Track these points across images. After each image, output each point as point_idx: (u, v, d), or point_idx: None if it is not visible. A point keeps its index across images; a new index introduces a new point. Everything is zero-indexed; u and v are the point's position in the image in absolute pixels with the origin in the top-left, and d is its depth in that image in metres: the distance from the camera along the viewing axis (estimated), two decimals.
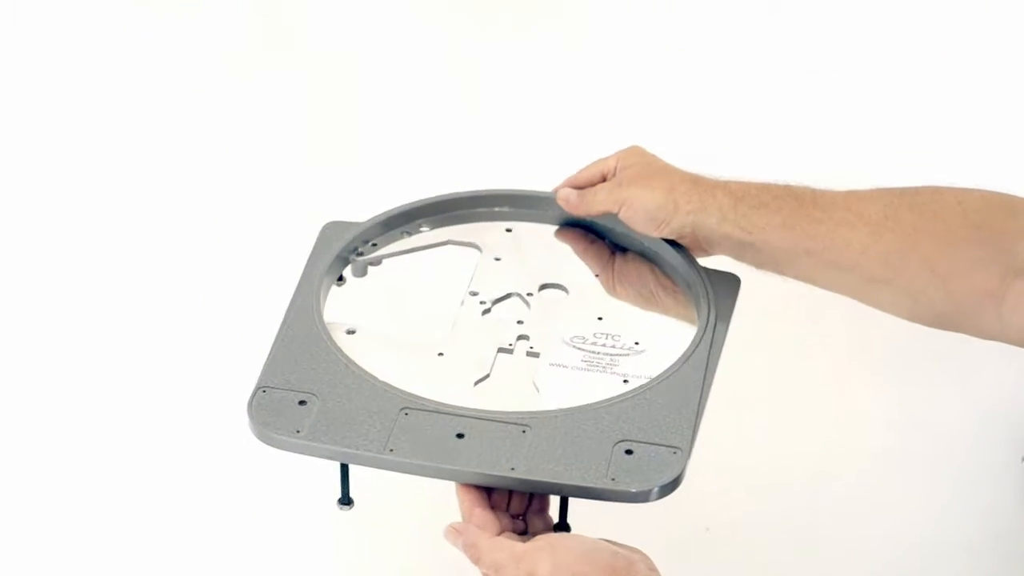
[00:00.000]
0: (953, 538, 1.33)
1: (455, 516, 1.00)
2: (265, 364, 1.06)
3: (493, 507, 0.99)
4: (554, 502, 1.03)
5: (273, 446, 1.02)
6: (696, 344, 1.08)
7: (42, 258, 1.57)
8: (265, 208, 1.62)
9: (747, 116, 1.75)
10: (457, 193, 1.20)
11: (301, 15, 1.82)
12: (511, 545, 0.95)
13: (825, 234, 1.11)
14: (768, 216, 1.12)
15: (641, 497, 0.97)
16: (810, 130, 1.73)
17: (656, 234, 1.16)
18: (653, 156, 1.19)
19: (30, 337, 1.49)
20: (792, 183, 1.15)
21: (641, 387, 1.05)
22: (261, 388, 1.03)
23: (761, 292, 1.23)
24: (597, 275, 1.17)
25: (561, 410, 1.02)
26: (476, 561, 0.96)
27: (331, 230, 1.17)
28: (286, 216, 1.60)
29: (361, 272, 1.16)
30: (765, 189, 1.14)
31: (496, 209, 1.21)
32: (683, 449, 0.99)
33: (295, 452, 1.01)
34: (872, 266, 1.10)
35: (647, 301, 1.16)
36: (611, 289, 1.16)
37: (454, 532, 0.98)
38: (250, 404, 1.03)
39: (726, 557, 1.32)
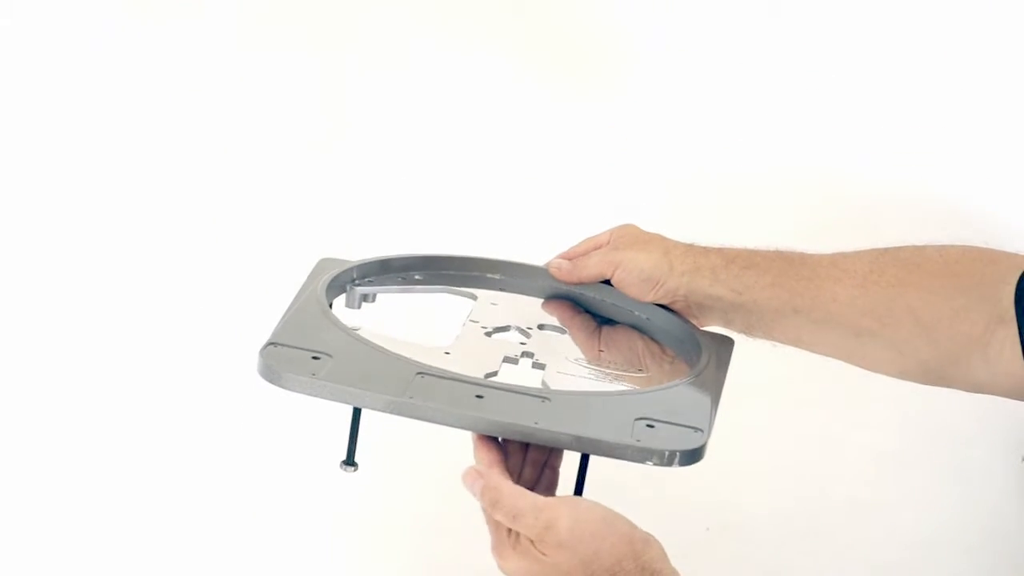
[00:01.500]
0: (953, 538, 1.34)
1: (465, 499, 0.99)
2: (279, 324, 1.01)
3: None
4: (569, 485, 1.02)
5: (286, 387, 0.95)
6: (704, 367, 1.08)
7: (41, 256, 1.58)
8: (265, 207, 1.62)
9: (747, 118, 1.75)
10: (453, 254, 1.20)
11: (301, 13, 1.82)
12: (533, 496, 0.94)
13: (813, 290, 1.13)
14: (757, 276, 1.14)
15: (667, 459, 0.95)
16: (809, 129, 1.73)
17: (649, 297, 1.16)
18: (645, 230, 1.20)
19: (29, 332, 1.50)
20: (782, 248, 1.17)
21: (657, 387, 1.05)
22: (271, 343, 0.98)
23: None
24: (579, 358, 1.15)
25: (580, 391, 1.02)
26: (494, 504, 0.94)
27: (325, 264, 1.15)
28: (286, 215, 1.60)
29: (355, 304, 1.15)
30: (755, 252, 1.16)
31: (488, 275, 1.21)
32: (704, 430, 0.99)
33: (309, 394, 0.95)
34: (859, 318, 1.11)
35: (636, 368, 1.17)
36: (596, 360, 1.17)
37: (475, 473, 0.95)
38: (261, 353, 0.97)
39: (726, 557, 1.32)
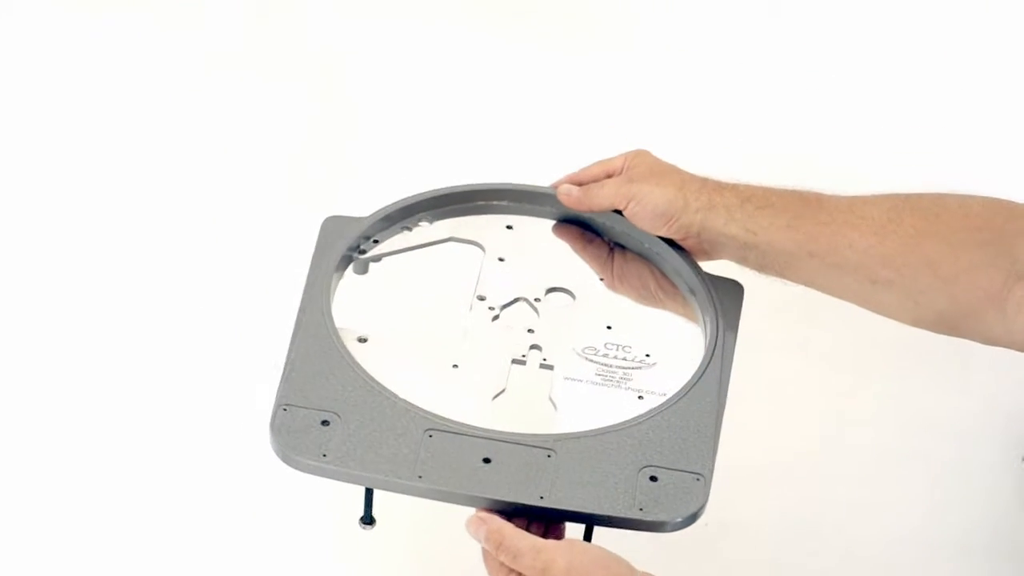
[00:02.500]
0: (953, 538, 1.33)
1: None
2: (282, 380, 1.02)
3: None
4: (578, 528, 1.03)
5: (299, 469, 0.98)
6: (708, 360, 1.07)
7: (42, 259, 1.57)
8: (264, 207, 1.62)
9: (748, 116, 1.75)
10: (456, 187, 1.19)
11: (299, 13, 1.82)
12: (533, 538, 0.96)
13: (829, 235, 1.11)
14: (773, 217, 1.12)
15: (670, 527, 0.98)
16: (811, 130, 1.73)
17: (663, 232, 1.15)
18: (661, 159, 1.19)
19: (33, 340, 1.49)
20: (799, 188, 1.15)
21: (659, 407, 1.04)
22: (282, 406, 1.00)
23: (761, 293, 1.22)
24: (602, 279, 1.17)
25: (584, 433, 1.01)
26: (498, 546, 0.96)
27: (332, 225, 1.15)
28: (286, 214, 1.59)
29: (362, 269, 1.14)
30: (771, 191, 1.15)
31: (495, 203, 1.19)
32: (705, 476, 1.00)
33: (321, 476, 0.98)
34: (875, 267, 1.11)
35: (648, 301, 1.16)
36: (612, 286, 1.16)
37: (478, 520, 0.97)
38: (272, 424, 0.99)
39: (725, 556, 1.32)
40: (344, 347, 1.05)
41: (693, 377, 1.07)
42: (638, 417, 1.03)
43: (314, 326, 1.05)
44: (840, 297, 1.16)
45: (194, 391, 1.43)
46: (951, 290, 1.09)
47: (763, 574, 1.32)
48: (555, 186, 1.20)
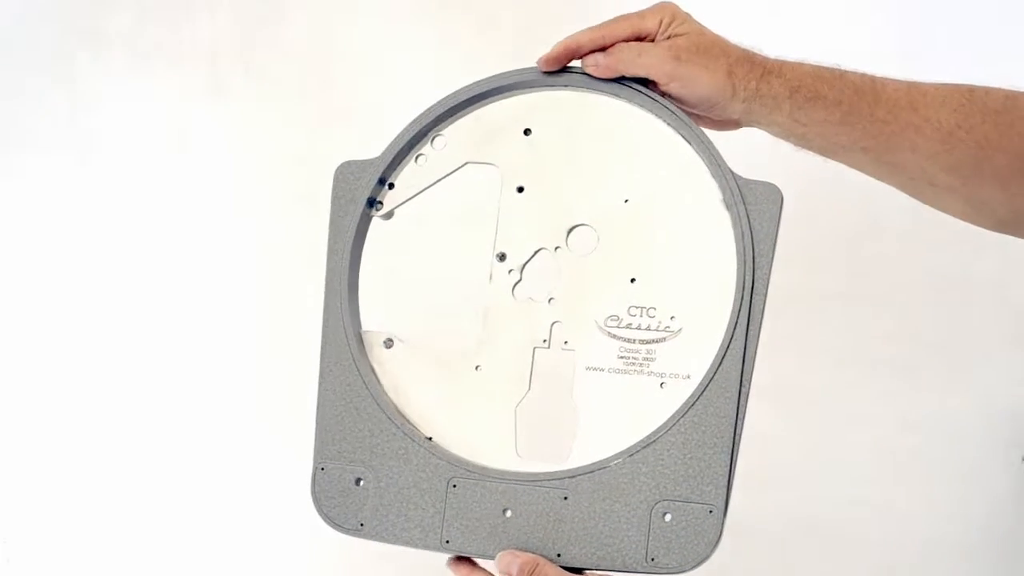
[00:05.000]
0: (953, 538, 1.34)
1: None
2: (316, 437, 1.06)
3: None
4: None
5: (341, 533, 1.05)
6: (730, 335, 1.00)
7: (45, 262, 1.58)
8: (265, 206, 1.62)
9: None
10: (461, 89, 1.10)
11: (300, 12, 1.82)
12: (557, 568, 0.99)
13: (889, 135, 1.03)
14: (825, 111, 1.03)
15: (682, 571, 0.99)
16: None
17: (701, 113, 1.05)
18: (704, 29, 1.06)
19: (37, 342, 1.50)
20: (848, 71, 1.05)
21: (674, 419, 1.01)
22: (319, 467, 1.05)
23: None
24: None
25: (598, 465, 1.01)
26: (532, 570, 0.99)
27: (345, 170, 1.10)
28: (286, 214, 1.60)
29: (388, 216, 1.10)
30: (821, 79, 1.04)
31: (504, 95, 1.08)
32: (718, 507, 1.01)
33: (361, 538, 1.05)
34: (937, 173, 1.03)
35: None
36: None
37: (511, 554, 1.00)
38: (313, 489, 1.05)
39: (726, 557, 1.32)
40: (368, 372, 1.06)
41: (714, 362, 1.01)
42: (654, 434, 1.01)
43: (338, 356, 1.07)
44: (888, 183, 1.08)
45: (193, 389, 1.44)
46: (1016, 203, 1.03)
47: (763, 574, 1.32)
48: (571, 46, 1.05)
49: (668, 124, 1.04)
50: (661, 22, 1.04)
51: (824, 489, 1.38)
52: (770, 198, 1.01)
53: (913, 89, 1.04)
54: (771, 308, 1.39)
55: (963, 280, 1.39)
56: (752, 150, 1.18)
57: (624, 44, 1.04)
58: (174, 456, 1.39)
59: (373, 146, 1.09)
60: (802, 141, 1.05)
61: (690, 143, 1.04)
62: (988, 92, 1.04)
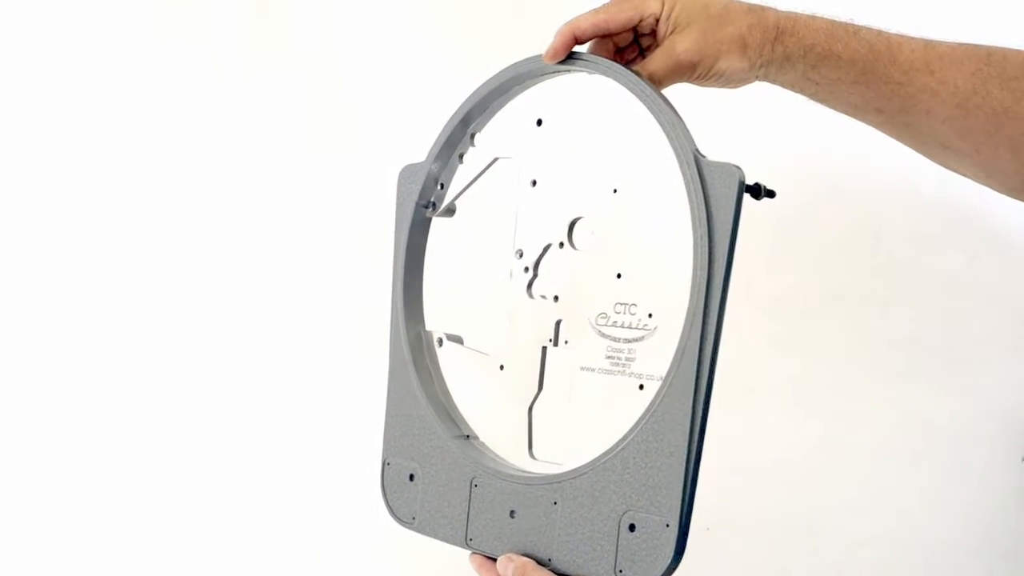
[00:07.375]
0: (953, 538, 1.34)
1: None
2: (384, 433, 1.13)
3: None
4: None
5: (400, 525, 1.12)
6: (685, 340, 0.95)
7: (43, 262, 1.58)
8: (265, 206, 1.62)
9: (748, 112, 1.75)
10: (486, 83, 1.11)
11: (299, 11, 1.82)
12: (548, 573, 1.01)
13: (904, 97, 1.01)
14: (839, 71, 1.01)
15: None
16: (810, 128, 1.73)
17: (708, 85, 1.03)
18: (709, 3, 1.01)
19: (45, 344, 1.49)
20: (862, 28, 1.03)
21: (635, 429, 0.99)
22: (386, 461, 1.13)
23: (762, 291, 1.23)
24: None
25: (580, 470, 1.02)
26: (524, 573, 1.01)
27: (407, 173, 1.15)
28: (286, 213, 1.60)
29: (448, 213, 1.14)
30: (833, 35, 1.01)
31: (526, 80, 1.08)
32: (674, 520, 0.98)
33: (412, 532, 1.12)
34: (952, 138, 1.02)
35: None
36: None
37: (508, 559, 1.02)
38: (382, 483, 1.13)
39: (726, 557, 1.32)
40: (423, 370, 1.12)
41: (671, 365, 0.97)
42: (621, 440, 0.99)
43: (400, 356, 1.13)
44: (899, 141, 1.06)
45: (196, 390, 1.44)
46: None
47: (763, 574, 1.32)
48: (574, 33, 1.04)
49: (647, 109, 1.00)
50: (664, 3, 1.01)
51: (826, 490, 1.38)
52: (726, 180, 0.93)
53: (929, 49, 1.01)
54: (773, 309, 1.39)
55: (965, 282, 1.39)
56: (757, 144, 1.18)
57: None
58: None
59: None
60: (815, 98, 1.03)
61: (662, 128, 0.99)
62: (1006, 56, 1.01)
